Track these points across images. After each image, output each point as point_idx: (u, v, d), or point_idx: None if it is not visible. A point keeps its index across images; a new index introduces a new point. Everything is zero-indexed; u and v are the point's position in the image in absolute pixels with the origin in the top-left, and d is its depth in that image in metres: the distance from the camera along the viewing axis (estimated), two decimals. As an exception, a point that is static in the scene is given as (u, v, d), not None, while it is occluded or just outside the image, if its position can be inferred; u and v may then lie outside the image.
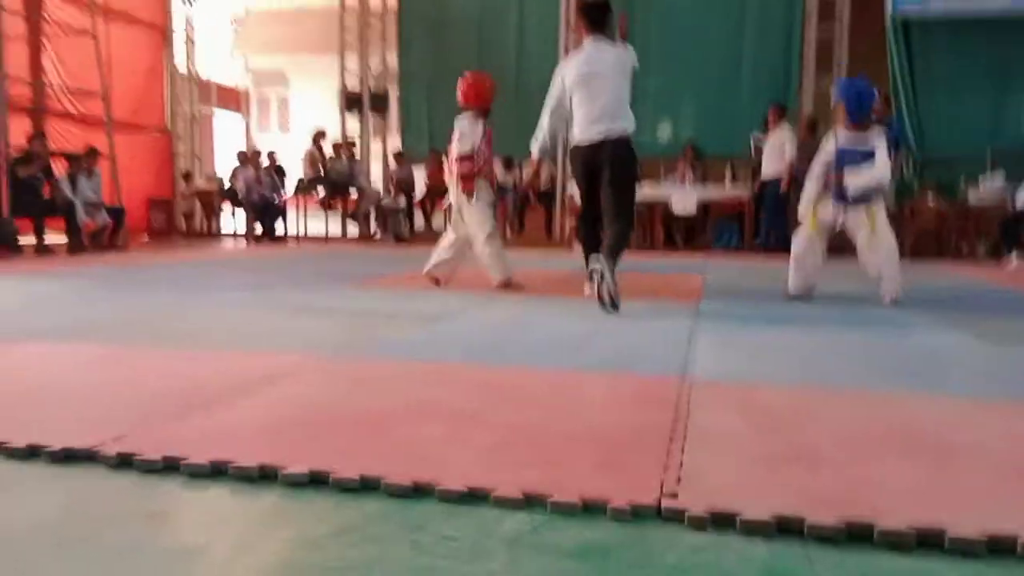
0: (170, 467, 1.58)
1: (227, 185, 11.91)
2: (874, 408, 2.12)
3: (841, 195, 4.50)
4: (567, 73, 4.33)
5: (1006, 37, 9.93)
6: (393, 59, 12.53)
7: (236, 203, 11.55)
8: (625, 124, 4.22)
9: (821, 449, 1.73)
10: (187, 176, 12.46)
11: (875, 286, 4.60)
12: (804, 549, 1.28)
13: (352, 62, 12.29)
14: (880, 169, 4.38)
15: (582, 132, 4.26)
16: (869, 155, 4.39)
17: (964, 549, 1.26)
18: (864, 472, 1.58)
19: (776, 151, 9.44)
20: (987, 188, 9.31)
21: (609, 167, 4.18)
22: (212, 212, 12.42)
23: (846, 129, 4.49)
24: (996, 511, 1.38)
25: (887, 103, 9.55)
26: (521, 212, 11.16)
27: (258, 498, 1.47)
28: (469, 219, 4.86)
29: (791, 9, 10.50)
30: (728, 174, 10.27)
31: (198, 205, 12.48)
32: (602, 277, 3.77)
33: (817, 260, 4.73)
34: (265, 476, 1.55)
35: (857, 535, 1.31)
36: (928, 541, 1.28)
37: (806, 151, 9.73)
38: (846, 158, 4.45)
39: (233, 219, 12.19)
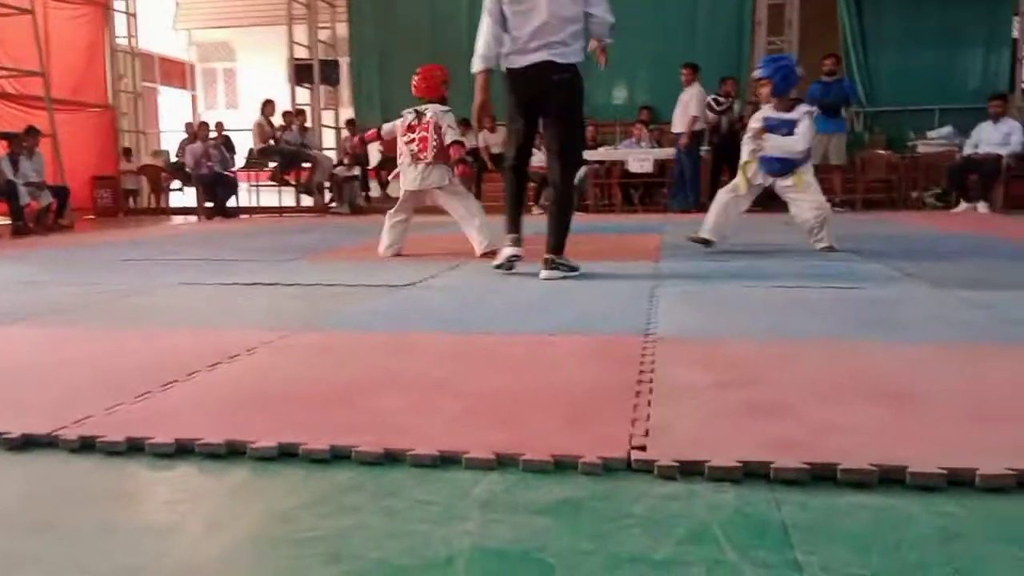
0: (134, 448, 1.56)
1: (174, 159, 11.63)
2: (835, 357, 2.17)
3: (766, 162, 4.76)
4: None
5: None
6: (343, 29, 12.30)
7: (185, 178, 11.30)
8: (572, 49, 3.69)
9: (785, 398, 1.76)
10: (127, 152, 12.00)
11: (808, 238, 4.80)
12: (771, 493, 1.31)
13: (301, 33, 12.02)
14: (798, 140, 4.69)
15: (518, 53, 3.72)
16: (792, 126, 4.69)
17: (925, 484, 1.30)
18: (827, 418, 1.62)
19: (682, 108, 9.48)
20: (936, 138, 9.50)
21: (551, 96, 3.70)
22: (160, 188, 12.14)
23: (770, 104, 4.80)
24: (955, 449, 1.43)
25: (838, 62, 9.66)
26: (478, 178, 11.10)
27: (227, 474, 1.46)
28: (452, 198, 4.88)
29: None
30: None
31: (145, 182, 12.18)
32: (571, 269, 3.71)
33: (736, 214, 5.01)
34: (233, 452, 1.53)
35: (821, 476, 1.34)
36: (890, 478, 1.32)
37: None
38: (772, 125, 4.73)
39: (183, 195, 11.92)
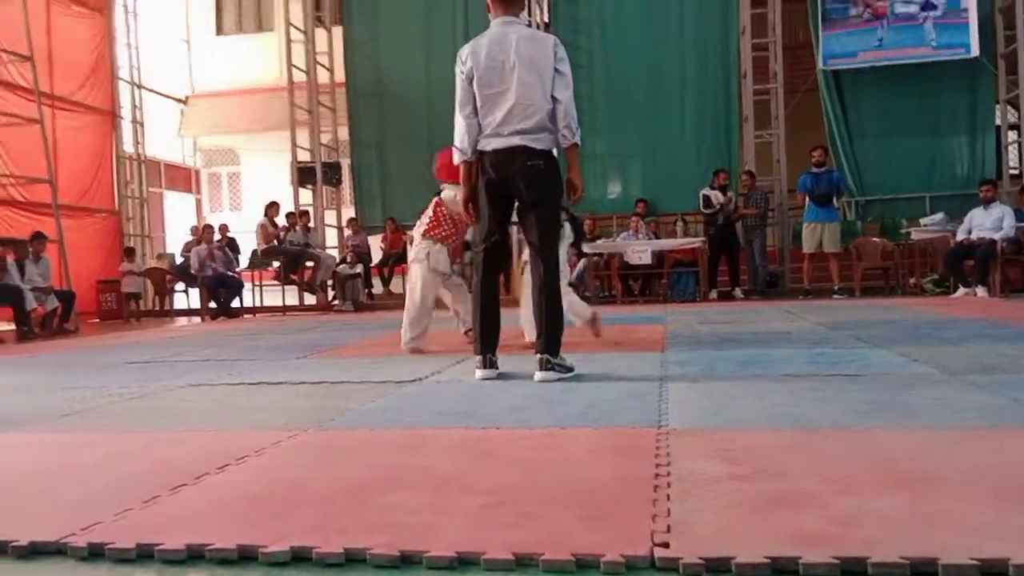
0: (144, 555, 1.52)
1: (179, 261, 11.75)
2: (851, 445, 2.14)
3: None
4: (469, 64, 3.58)
5: (934, 83, 10.44)
6: (343, 132, 12.67)
7: (190, 280, 11.39)
8: (544, 137, 3.54)
9: (805, 488, 1.73)
10: (129, 252, 11.77)
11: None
12: (801, 590, 1.27)
13: (303, 137, 12.38)
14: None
15: (491, 136, 3.57)
16: None
17: (958, 575, 1.27)
18: (851, 507, 1.59)
19: None
20: (929, 224, 9.65)
21: (526, 184, 3.54)
22: (164, 291, 12.22)
23: None
24: (984, 537, 1.40)
25: (826, 152, 9.92)
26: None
27: (239, 581, 1.42)
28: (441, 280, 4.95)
29: (727, 70, 10.93)
30: (680, 227, 10.51)
31: (148, 284, 12.27)
32: (566, 370, 3.51)
33: None
34: (245, 557, 1.50)
35: (852, 571, 1.31)
36: (922, 571, 1.29)
37: (752, 200, 10.04)
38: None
39: (187, 297, 11.99)
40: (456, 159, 3.71)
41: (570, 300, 4.85)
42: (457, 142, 3.67)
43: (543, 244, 3.60)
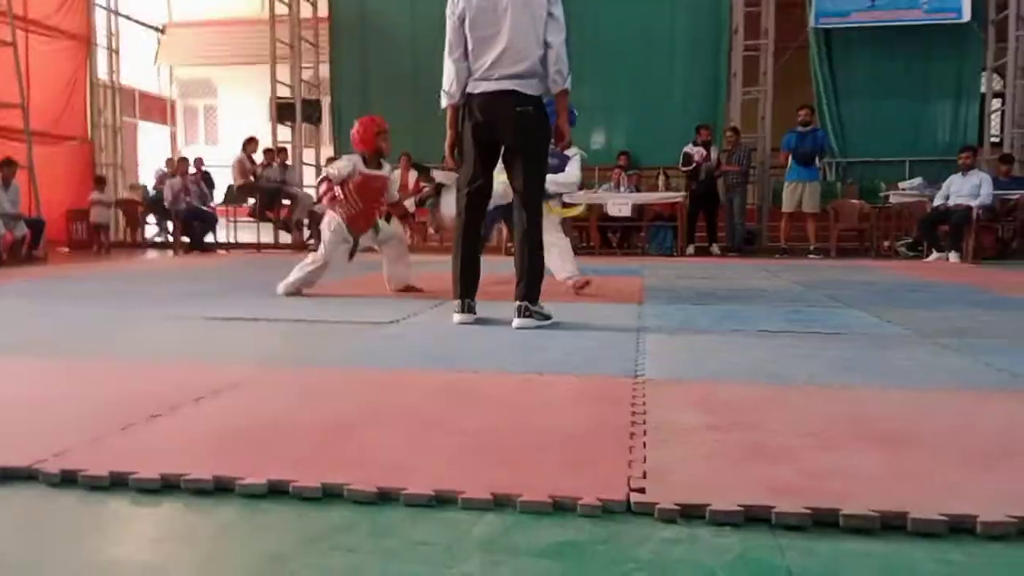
0: (118, 482, 1.51)
1: (152, 193, 11.53)
2: (827, 402, 2.17)
3: None
4: (461, 5, 3.51)
5: (923, 47, 10.38)
6: (325, 68, 12.38)
7: (163, 213, 11.20)
8: (535, 83, 3.48)
9: (781, 442, 1.76)
10: (99, 181, 11.34)
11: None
12: (774, 538, 1.29)
13: (284, 72, 12.08)
14: (563, 177, 5.07)
15: (480, 80, 3.51)
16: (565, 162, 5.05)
17: (926, 530, 1.29)
18: (825, 462, 1.61)
19: None
20: (907, 188, 9.70)
21: (513, 130, 3.49)
22: (136, 223, 12.01)
23: None
24: (954, 495, 1.43)
25: (812, 112, 9.90)
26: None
27: (215, 512, 1.42)
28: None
29: (719, 25, 10.78)
30: (662, 181, 10.47)
31: (120, 215, 12.04)
32: (544, 318, 3.51)
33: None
34: (221, 488, 1.49)
35: (823, 521, 1.33)
36: (891, 524, 1.31)
37: (735, 156, 10.02)
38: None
39: (159, 229, 11.80)
40: (443, 102, 3.66)
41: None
42: (445, 85, 3.61)
43: (528, 190, 3.56)
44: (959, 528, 1.30)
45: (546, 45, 3.47)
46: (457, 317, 3.61)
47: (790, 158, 9.61)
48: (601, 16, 10.95)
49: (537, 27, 3.45)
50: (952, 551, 1.24)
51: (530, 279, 3.53)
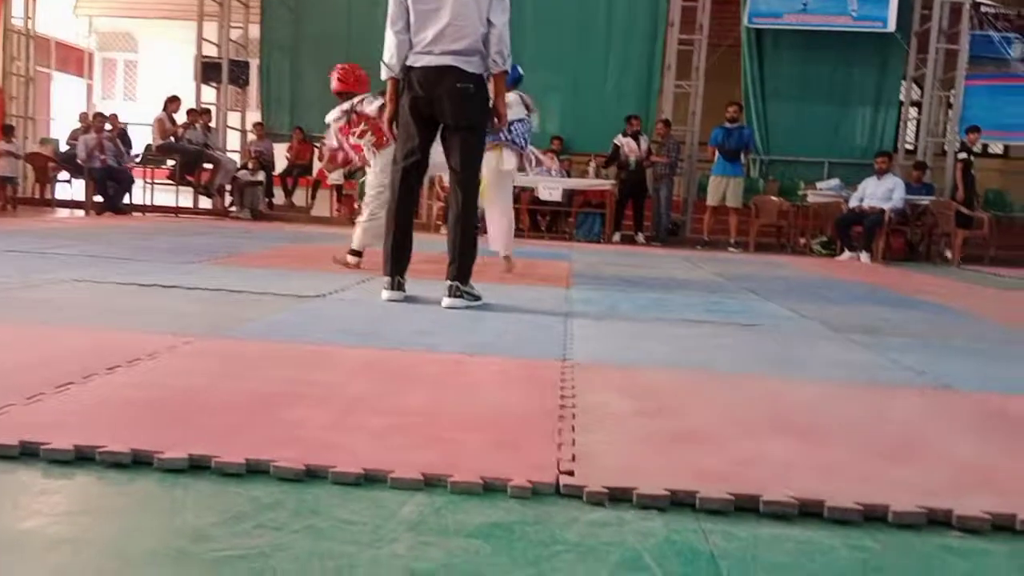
0: (28, 453, 1.43)
1: (64, 149, 10.98)
2: (747, 390, 2.23)
3: None
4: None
5: (848, 53, 10.74)
6: (255, 30, 11.99)
7: (75, 170, 10.67)
8: (477, 61, 3.44)
9: (705, 428, 1.80)
10: (7, 130, 10.55)
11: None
12: (697, 522, 1.32)
13: (211, 30, 11.64)
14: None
15: (420, 53, 3.45)
16: None
17: (842, 518, 1.35)
18: (746, 449, 1.66)
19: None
20: (824, 189, 10.06)
21: (453, 106, 3.44)
22: (46, 179, 11.42)
23: None
24: (866, 484, 1.49)
25: (740, 109, 10.14)
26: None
27: (132, 486, 1.36)
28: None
29: (656, 17, 10.90)
30: (592, 167, 10.56)
31: (28, 170, 11.43)
32: (474, 299, 3.52)
33: None
34: (138, 462, 1.44)
35: (745, 507, 1.37)
36: (809, 511, 1.36)
37: (664, 148, 10.19)
38: None
39: (71, 188, 11.25)
40: (383, 75, 3.60)
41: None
42: (385, 57, 3.55)
43: (464, 169, 3.52)
44: (872, 516, 1.36)
45: (489, 24, 3.44)
46: (386, 294, 3.57)
47: (716, 153, 9.83)
48: (540, 0, 10.94)
49: (481, 5, 3.41)
50: (865, 538, 1.29)
51: (462, 259, 3.51)
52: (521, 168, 5.33)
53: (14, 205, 10.32)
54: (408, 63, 3.51)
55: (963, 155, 9.57)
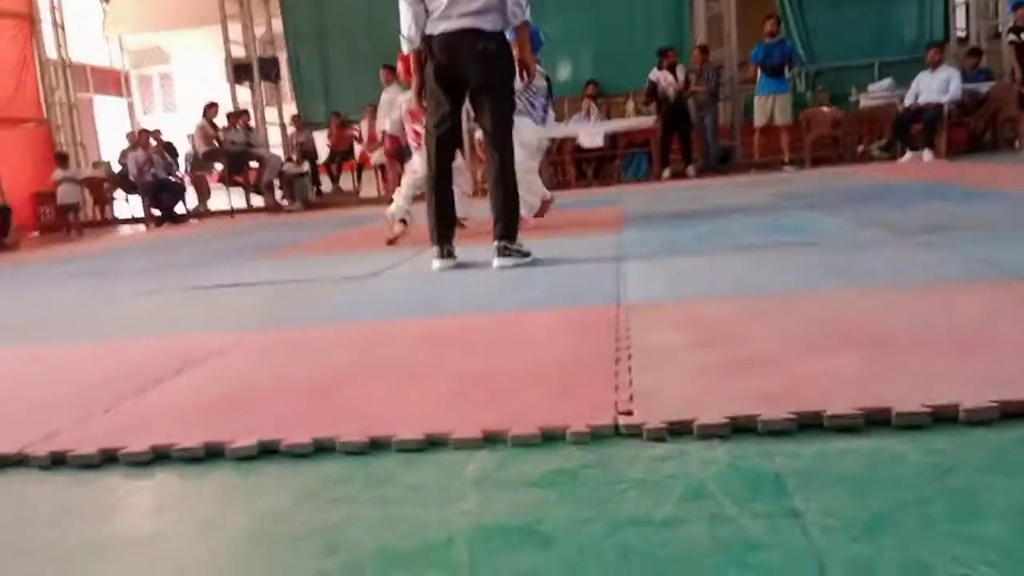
0: (108, 459, 1.50)
1: (116, 168, 11.31)
2: (807, 308, 2.18)
3: None
4: None
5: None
6: (278, 23, 12.06)
7: (129, 187, 11.01)
8: (495, 18, 3.42)
9: (763, 352, 1.77)
10: (62, 158, 10.97)
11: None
12: (762, 445, 1.31)
13: (236, 31, 11.76)
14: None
15: (439, 20, 3.43)
16: None
17: (911, 423, 1.31)
18: (807, 367, 1.63)
19: None
20: (876, 91, 9.65)
21: (478, 68, 3.42)
22: (104, 200, 11.81)
23: None
24: (936, 386, 1.44)
25: (778, 23, 9.76)
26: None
27: (208, 477, 1.42)
28: None
29: None
30: (631, 107, 10.36)
31: (87, 194, 11.83)
32: (524, 255, 3.50)
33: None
34: (212, 454, 1.49)
35: (809, 424, 1.35)
36: (876, 420, 1.33)
37: (703, 75, 9.90)
38: None
39: (128, 204, 11.62)
40: (404, 48, 3.61)
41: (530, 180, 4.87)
42: (404, 30, 3.54)
43: (497, 130, 3.50)
44: (942, 417, 1.32)
45: None
46: (436, 263, 3.59)
47: (759, 71, 9.51)
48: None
49: None
50: (937, 440, 1.26)
51: (507, 218, 3.50)
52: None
53: (79, 230, 10.71)
54: (428, 32, 3.48)
55: (1012, 36, 9.03)
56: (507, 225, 3.50)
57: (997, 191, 4.77)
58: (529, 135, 4.83)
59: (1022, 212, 3.80)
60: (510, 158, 3.55)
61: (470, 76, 3.47)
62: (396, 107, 5.70)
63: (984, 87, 9.03)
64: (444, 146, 3.61)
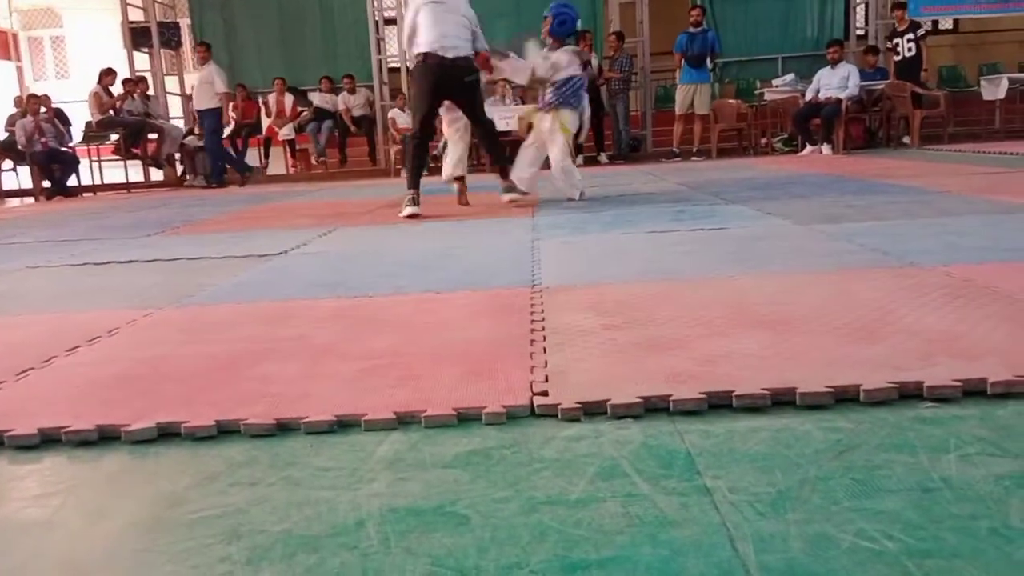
0: (-9, 442, 1.40)
1: (3, 136, 10.62)
2: (714, 292, 2.23)
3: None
4: (416, 5, 4.79)
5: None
6: (181, -14, 11.53)
7: (17, 157, 10.33)
8: (467, 48, 4.72)
9: (674, 334, 1.80)
10: None
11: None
12: (673, 424, 1.33)
13: (134, -8, 11.16)
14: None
15: (433, 43, 4.60)
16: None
17: (814, 403, 1.36)
18: (716, 348, 1.66)
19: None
20: (780, 85, 9.98)
21: (462, 85, 4.73)
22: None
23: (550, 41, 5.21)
24: (837, 367, 1.50)
25: (703, 13, 9.94)
26: (342, 142, 10.78)
27: (102, 461, 1.34)
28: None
29: None
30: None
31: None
32: (521, 192, 4.98)
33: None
34: (106, 437, 1.41)
35: (718, 404, 1.38)
36: (782, 400, 1.37)
37: (617, 63, 10.01)
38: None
39: (16, 175, 10.91)
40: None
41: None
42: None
43: (483, 120, 5.03)
44: (844, 398, 1.37)
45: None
46: (409, 210, 4.57)
47: (682, 60, 9.67)
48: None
49: (468, 19, 4.84)
50: (838, 419, 1.30)
51: (504, 163, 5.09)
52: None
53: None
54: (423, 50, 4.68)
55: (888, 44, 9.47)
56: (504, 168, 5.03)
57: (891, 184, 5.01)
58: (573, 125, 5.13)
59: (914, 203, 4.00)
60: (502, 146, 5.18)
61: (456, 91, 4.85)
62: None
63: (880, 84, 9.46)
64: (424, 145, 5.01)
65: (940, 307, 1.91)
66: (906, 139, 9.47)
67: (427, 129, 4.89)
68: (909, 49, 9.43)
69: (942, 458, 1.14)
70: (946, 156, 7.40)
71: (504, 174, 4.98)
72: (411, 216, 4.56)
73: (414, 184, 4.72)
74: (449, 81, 4.72)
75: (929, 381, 1.38)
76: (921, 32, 9.46)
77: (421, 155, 4.99)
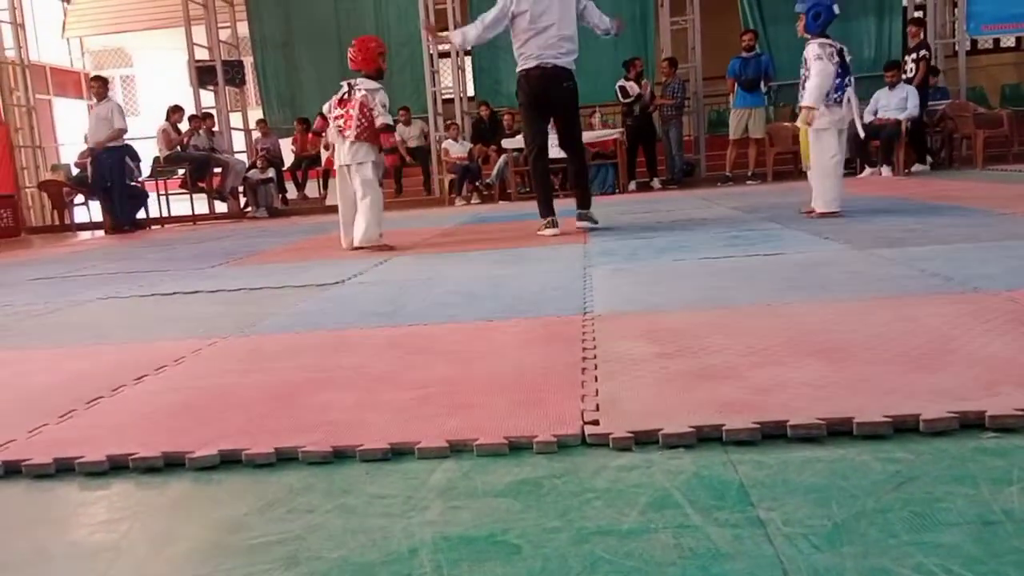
0: (63, 468, 1.47)
1: (75, 172, 11.09)
2: (770, 320, 2.21)
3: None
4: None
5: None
6: (243, 27, 11.95)
7: (88, 192, 10.77)
8: (573, 57, 4.72)
9: (727, 362, 1.79)
10: None
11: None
12: (726, 454, 1.32)
13: (200, 34, 11.61)
14: (812, 79, 4.92)
15: (534, 57, 4.61)
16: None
17: (872, 433, 1.33)
18: (770, 377, 1.65)
19: None
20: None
21: (563, 97, 4.70)
22: (62, 204, 11.54)
23: (807, 38, 5.04)
24: (896, 397, 1.47)
25: (755, 37, 9.90)
26: (398, 172, 10.98)
27: (167, 487, 1.39)
28: (359, 178, 4.81)
29: None
30: (597, 119, 10.42)
31: (45, 199, 11.56)
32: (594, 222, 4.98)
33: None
34: (171, 464, 1.46)
35: (772, 434, 1.36)
36: (838, 430, 1.35)
37: (669, 89, 10.00)
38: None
39: (87, 209, 11.37)
40: (456, 39, 5.25)
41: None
42: (467, 30, 5.05)
43: (577, 146, 5.22)
44: (903, 428, 1.34)
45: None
46: (550, 231, 4.82)
47: (735, 85, 9.63)
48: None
49: (574, 14, 4.89)
50: (897, 450, 1.28)
51: (584, 192, 5.06)
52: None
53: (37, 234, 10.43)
54: (525, 67, 4.77)
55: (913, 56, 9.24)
56: (583, 196, 5.03)
57: (952, 206, 4.89)
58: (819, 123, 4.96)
59: (977, 227, 3.89)
60: (587, 178, 5.31)
61: (558, 103, 4.93)
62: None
63: (941, 104, 9.25)
64: (543, 159, 5.13)
65: (1004, 334, 1.85)
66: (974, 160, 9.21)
67: (541, 142, 4.97)
68: (911, 69, 9.21)
69: (1004, 490, 1.11)
70: (1010, 176, 7.18)
71: (584, 204, 5.02)
72: (553, 235, 4.79)
73: (548, 211, 4.92)
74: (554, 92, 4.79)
75: (991, 411, 1.35)
76: (923, 53, 9.21)
77: (543, 172, 5.09)
